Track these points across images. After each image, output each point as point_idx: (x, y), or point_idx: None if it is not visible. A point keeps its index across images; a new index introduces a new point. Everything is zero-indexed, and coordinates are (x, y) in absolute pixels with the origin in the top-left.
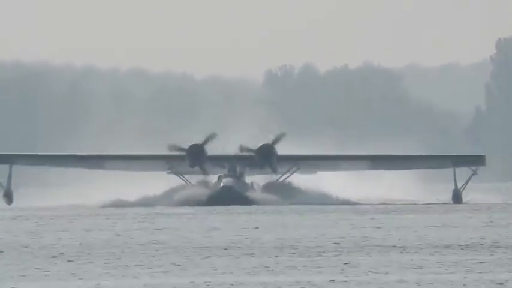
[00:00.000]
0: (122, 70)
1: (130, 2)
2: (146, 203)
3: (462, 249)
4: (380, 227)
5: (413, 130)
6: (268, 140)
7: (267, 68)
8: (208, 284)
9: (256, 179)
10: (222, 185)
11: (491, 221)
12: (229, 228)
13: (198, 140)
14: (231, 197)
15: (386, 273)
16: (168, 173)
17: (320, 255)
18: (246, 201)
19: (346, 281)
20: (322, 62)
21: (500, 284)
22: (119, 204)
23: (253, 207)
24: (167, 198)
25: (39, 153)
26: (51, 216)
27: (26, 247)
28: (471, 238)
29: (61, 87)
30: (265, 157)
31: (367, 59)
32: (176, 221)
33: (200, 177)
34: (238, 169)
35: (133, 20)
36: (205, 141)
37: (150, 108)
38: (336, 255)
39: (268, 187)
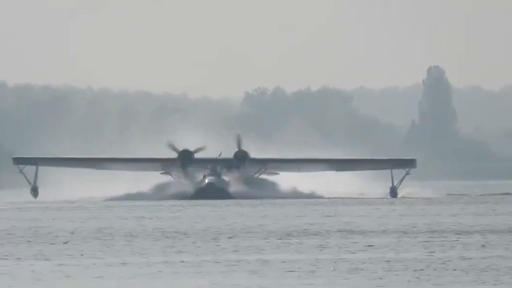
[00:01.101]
0: (130, 92)
1: (137, 37)
2: (143, 197)
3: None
4: (331, 216)
5: (361, 139)
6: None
7: (245, 89)
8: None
9: (231, 178)
10: (206, 181)
11: (424, 212)
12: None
13: (189, 146)
14: (213, 191)
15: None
16: (161, 173)
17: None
18: (226, 195)
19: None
20: (290, 85)
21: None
22: (122, 198)
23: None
24: (160, 193)
25: (59, 156)
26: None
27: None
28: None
29: (82, 105)
30: (240, 160)
31: (325, 82)
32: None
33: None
34: (218, 169)
35: (140, 50)
36: (196, 151)
37: (152, 122)
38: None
39: (248, 181)
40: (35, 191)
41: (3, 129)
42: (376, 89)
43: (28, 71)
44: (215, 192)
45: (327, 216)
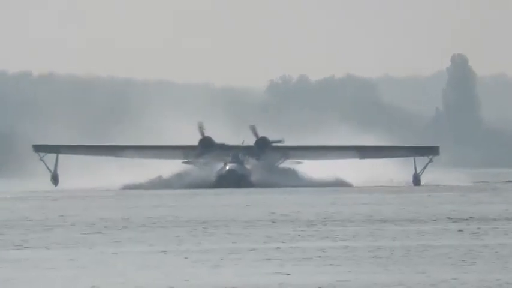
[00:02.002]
0: (152, 81)
1: (159, 25)
2: (164, 185)
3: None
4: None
5: (385, 127)
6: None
7: (269, 77)
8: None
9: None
10: (227, 168)
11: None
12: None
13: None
14: (235, 178)
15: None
16: (183, 162)
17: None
18: (248, 183)
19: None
20: (314, 72)
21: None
22: (141, 186)
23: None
24: (180, 181)
25: (79, 144)
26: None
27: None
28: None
29: (104, 94)
30: (261, 148)
31: (349, 70)
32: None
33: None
34: (240, 156)
35: (162, 39)
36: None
37: (174, 111)
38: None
39: (271, 170)
40: (55, 179)
41: (25, 119)
42: (400, 77)
43: (51, 61)
44: (237, 179)
45: (363, 204)
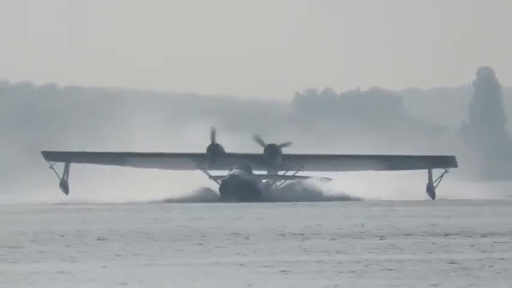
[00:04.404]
0: (177, 94)
1: (186, 37)
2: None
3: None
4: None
5: (410, 140)
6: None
7: (295, 90)
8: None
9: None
10: (230, 173)
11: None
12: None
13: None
14: (238, 184)
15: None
16: (209, 178)
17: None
18: (254, 191)
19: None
20: (339, 85)
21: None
22: (166, 201)
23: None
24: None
25: (91, 151)
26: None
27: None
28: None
29: (131, 106)
30: (272, 155)
31: (374, 83)
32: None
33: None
34: (252, 166)
35: (189, 52)
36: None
37: (199, 123)
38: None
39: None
40: (64, 187)
41: (48, 130)
42: (426, 90)
43: (77, 73)
44: (241, 185)
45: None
